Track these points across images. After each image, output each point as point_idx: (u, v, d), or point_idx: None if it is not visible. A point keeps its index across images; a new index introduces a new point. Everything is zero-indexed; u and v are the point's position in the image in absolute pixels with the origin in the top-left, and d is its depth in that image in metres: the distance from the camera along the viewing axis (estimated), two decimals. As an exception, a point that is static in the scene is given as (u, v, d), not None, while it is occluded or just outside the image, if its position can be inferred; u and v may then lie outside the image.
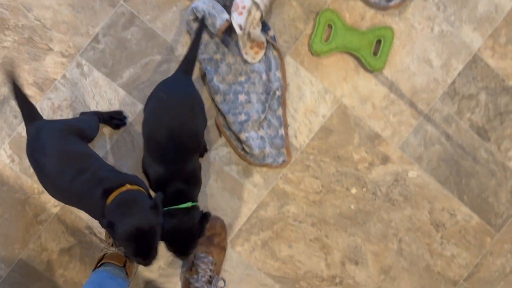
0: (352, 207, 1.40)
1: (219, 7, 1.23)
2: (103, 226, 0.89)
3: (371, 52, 1.33)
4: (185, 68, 1.14)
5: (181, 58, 1.29)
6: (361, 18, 1.35)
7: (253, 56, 1.28)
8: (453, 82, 1.38)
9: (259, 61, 1.30)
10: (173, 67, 1.29)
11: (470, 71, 1.39)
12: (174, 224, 1.04)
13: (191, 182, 1.10)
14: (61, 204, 1.28)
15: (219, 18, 1.20)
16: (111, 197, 0.91)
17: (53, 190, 0.99)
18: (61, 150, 0.96)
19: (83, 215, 1.29)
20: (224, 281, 1.28)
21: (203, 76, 1.30)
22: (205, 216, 1.07)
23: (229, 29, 1.26)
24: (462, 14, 1.36)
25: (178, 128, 1.06)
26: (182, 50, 1.29)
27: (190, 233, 1.06)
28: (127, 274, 1.07)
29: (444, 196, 1.43)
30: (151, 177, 1.10)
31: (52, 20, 1.24)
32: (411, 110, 1.39)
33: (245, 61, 1.29)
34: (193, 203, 1.09)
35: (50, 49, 1.26)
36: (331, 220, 1.39)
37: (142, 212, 0.90)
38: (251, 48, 1.28)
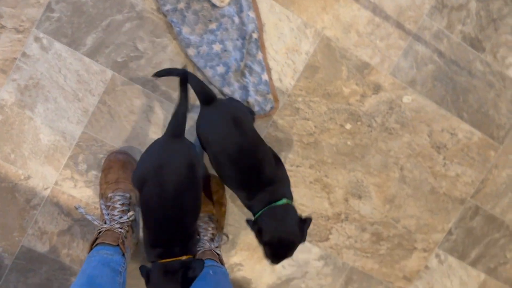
0: (349, 142, 1.35)
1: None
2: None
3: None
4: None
5: (144, 14, 1.19)
6: None
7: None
8: (441, -6, 1.28)
9: (228, 3, 1.19)
10: (136, 24, 1.20)
11: (458, -22, 1.28)
12: (275, 230, 1.04)
13: (276, 181, 1.09)
14: (51, 185, 1.24)
15: None
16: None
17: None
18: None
19: (76, 194, 1.26)
20: (228, 237, 1.27)
21: (170, 28, 1.21)
22: (305, 221, 1.07)
23: (190, -26, 1.15)
24: None
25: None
26: (143, 4, 1.19)
27: (292, 241, 1.05)
28: (123, 252, 1.05)
29: (442, 117, 1.38)
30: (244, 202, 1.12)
31: None
32: (399, 32, 1.30)
33: (213, 6, 1.19)
34: (287, 200, 1.08)
35: (3, 26, 1.16)
36: (328, 160, 1.35)
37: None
38: None
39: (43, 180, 1.25)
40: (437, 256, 1.49)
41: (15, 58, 1.18)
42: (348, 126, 1.34)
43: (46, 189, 1.25)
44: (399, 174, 1.40)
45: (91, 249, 1.07)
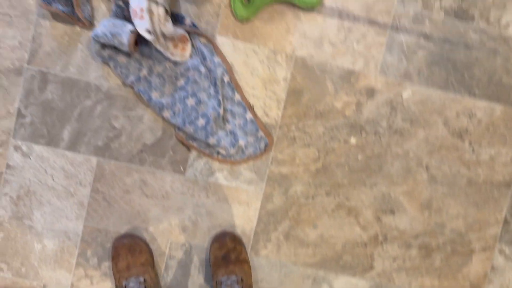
0: (360, 157, 1.24)
1: (119, 22, 1.09)
2: None
3: (301, -10, 1.17)
4: None
5: (111, 93, 1.17)
6: (274, -41, 1.18)
7: (181, 54, 1.15)
8: (404, -23, 1.20)
9: (190, 55, 1.16)
10: (107, 105, 1.17)
11: (417, -44, 1.20)
12: None
13: None
14: (68, 290, 1.19)
15: (124, 33, 1.07)
16: None
17: None
18: None
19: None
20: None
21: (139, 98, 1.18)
22: None
23: (141, 39, 1.12)
24: None
25: None
26: (107, 84, 1.17)
27: None
28: None
29: (452, 101, 1.25)
30: None
31: (-31, 116, 1.15)
32: (374, 29, 1.21)
33: (176, 63, 1.16)
34: None
35: (-19, 146, 1.17)
36: (344, 181, 1.24)
37: None
38: (175, 46, 1.14)
39: (58, 286, 1.20)
40: (501, 252, 1.30)
41: (1, 173, 1.17)
42: (353, 140, 1.23)
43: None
44: (426, 175, 1.26)
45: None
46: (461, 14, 1.23)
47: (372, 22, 1.21)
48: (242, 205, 1.22)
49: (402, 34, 1.22)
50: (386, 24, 1.21)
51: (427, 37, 1.23)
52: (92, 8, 1.14)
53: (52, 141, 1.18)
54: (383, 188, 1.25)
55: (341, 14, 1.20)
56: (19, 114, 1.16)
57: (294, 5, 1.19)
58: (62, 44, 1.15)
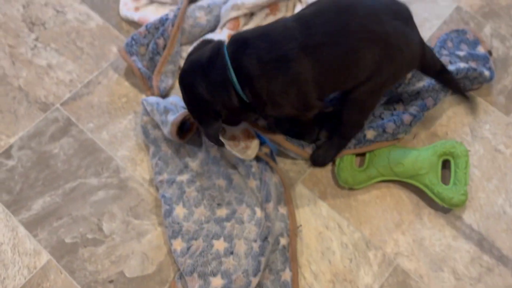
0: None
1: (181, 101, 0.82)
2: None
3: (439, 179, 0.81)
4: None
5: (128, 184, 0.82)
6: (413, 136, 0.88)
7: (245, 152, 0.79)
8: None
9: (257, 167, 0.80)
10: (113, 195, 0.81)
11: None
12: None
13: None
14: None
15: (177, 112, 0.78)
16: None
17: None
18: None
19: None
20: None
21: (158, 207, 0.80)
22: None
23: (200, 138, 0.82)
24: None
25: None
26: (132, 171, 0.83)
27: None
28: None
29: None
30: None
31: (-47, 126, 0.86)
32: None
33: (228, 185, 0.80)
34: None
35: None
36: None
37: None
38: (236, 144, 0.79)
39: None
40: None
41: None
42: None
43: None
44: None
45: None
46: None
47: (527, 275, 0.77)
48: None
49: None
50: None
51: None
52: (172, 85, 0.90)
53: (15, 204, 0.80)
54: None
55: (482, 242, 0.79)
56: (6, 152, 0.84)
57: (422, 195, 0.82)
58: (114, 104, 0.89)
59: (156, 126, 0.84)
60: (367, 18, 0.68)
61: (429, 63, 0.79)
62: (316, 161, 0.83)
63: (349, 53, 0.68)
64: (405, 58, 0.71)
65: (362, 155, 0.86)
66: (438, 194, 0.80)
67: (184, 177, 0.80)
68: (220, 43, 0.71)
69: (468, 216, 0.82)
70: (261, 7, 0.92)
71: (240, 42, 0.69)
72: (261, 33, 0.70)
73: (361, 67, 0.70)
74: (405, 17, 0.71)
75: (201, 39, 0.82)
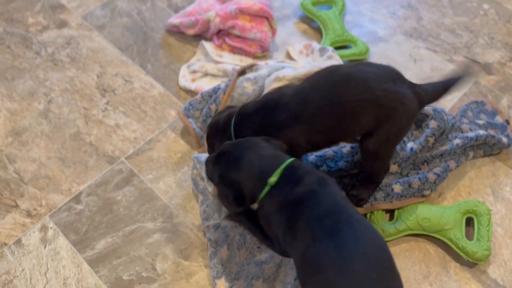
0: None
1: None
2: None
3: (463, 234, 0.88)
4: None
5: (179, 228, 0.93)
6: (438, 195, 0.96)
7: None
8: None
9: None
10: (167, 239, 0.91)
11: None
12: None
13: None
14: None
15: None
16: None
17: None
18: None
19: None
20: None
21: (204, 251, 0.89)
22: None
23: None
24: None
25: None
26: (184, 217, 0.94)
27: None
28: None
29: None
30: None
31: (33, 174, 0.99)
32: None
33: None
34: None
35: (16, 205, 0.96)
36: None
37: None
38: None
39: None
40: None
41: (6, 244, 0.91)
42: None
43: None
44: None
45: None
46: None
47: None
48: None
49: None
50: None
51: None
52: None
53: (81, 243, 0.91)
54: None
55: (507, 296, 0.84)
56: (76, 198, 0.96)
57: (448, 249, 0.89)
58: (171, 158, 1.02)
59: (203, 180, 0.95)
60: (357, 88, 0.79)
61: (430, 100, 0.86)
62: (351, 202, 0.91)
63: (345, 116, 0.80)
64: (402, 112, 0.80)
65: (392, 210, 0.94)
66: (463, 248, 0.87)
67: (228, 223, 0.90)
68: (231, 114, 0.88)
69: (493, 271, 0.87)
70: (300, 80, 1.06)
71: (242, 115, 0.86)
72: (260, 106, 0.85)
73: (356, 128, 0.82)
74: (393, 78, 0.81)
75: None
